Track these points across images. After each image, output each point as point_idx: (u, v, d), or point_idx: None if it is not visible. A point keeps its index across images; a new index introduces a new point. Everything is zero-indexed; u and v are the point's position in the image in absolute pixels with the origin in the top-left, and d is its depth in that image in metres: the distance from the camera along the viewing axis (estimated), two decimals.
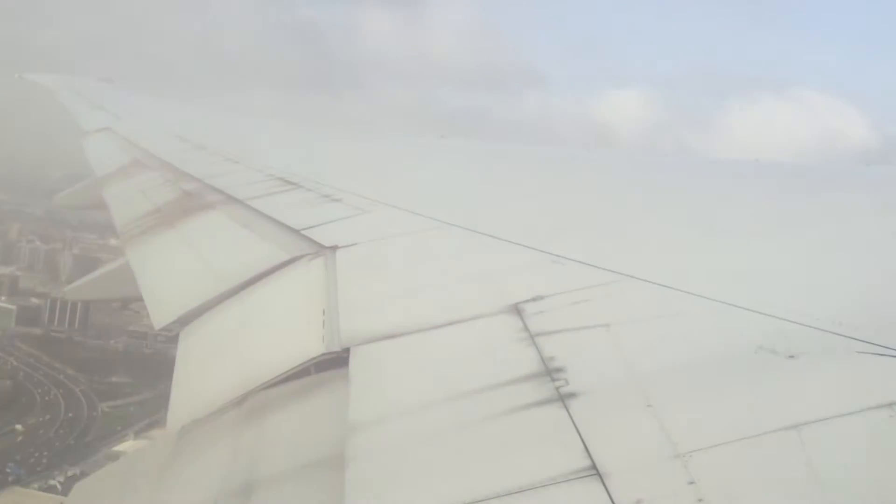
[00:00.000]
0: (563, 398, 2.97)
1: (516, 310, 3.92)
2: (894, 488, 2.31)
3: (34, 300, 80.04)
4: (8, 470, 54.57)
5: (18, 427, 59.93)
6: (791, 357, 2.96)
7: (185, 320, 5.55)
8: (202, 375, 5.00)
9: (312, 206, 7.34)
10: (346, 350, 3.95)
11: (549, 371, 3.21)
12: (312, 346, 4.20)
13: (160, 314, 5.85)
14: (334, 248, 5.68)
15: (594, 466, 2.53)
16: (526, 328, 3.69)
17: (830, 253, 4.38)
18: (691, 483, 2.37)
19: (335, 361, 3.99)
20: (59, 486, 49.69)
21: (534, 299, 4.00)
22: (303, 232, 6.30)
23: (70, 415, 60.36)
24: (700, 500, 2.30)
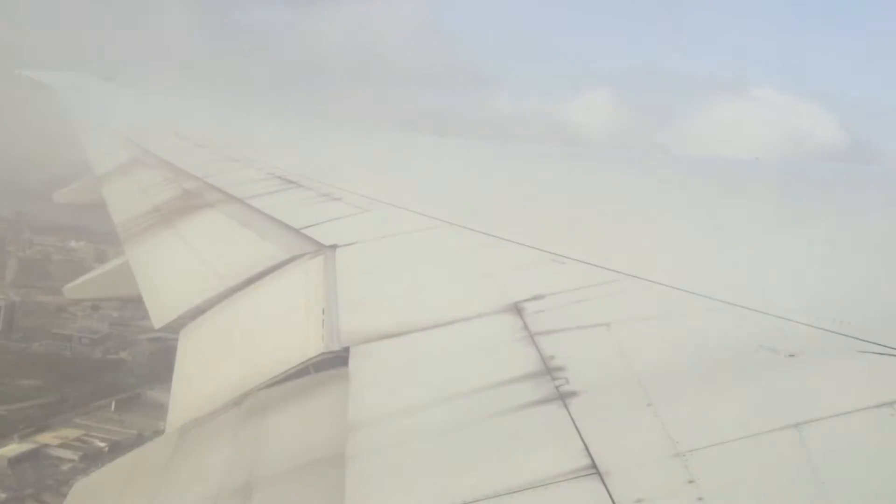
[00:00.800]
0: (563, 397, 2.97)
1: (516, 309, 3.92)
2: (894, 486, 2.31)
3: None
4: None
5: None
6: (791, 356, 2.96)
7: (185, 319, 5.55)
8: (202, 374, 5.00)
9: (312, 204, 7.34)
10: (346, 349, 3.95)
11: (550, 370, 3.21)
12: (312, 346, 4.20)
13: (160, 313, 5.85)
14: (334, 247, 5.67)
15: (594, 465, 2.53)
16: (526, 327, 3.69)
17: (831, 252, 4.38)
18: (691, 482, 2.37)
19: (335, 360, 3.98)
20: None
21: (534, 298, 4.00)
22: (302, 231, 6.30)
23: None
24: (700, 499, 2.30)
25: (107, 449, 44.69)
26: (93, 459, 42.11)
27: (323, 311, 4.58)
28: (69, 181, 15.71)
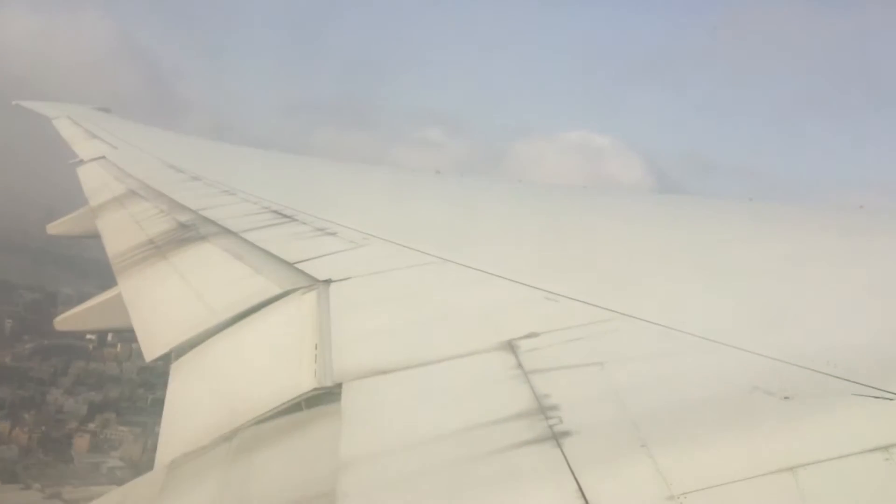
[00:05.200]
0: (556, 436, 2.95)
1: (510, 346, 3.90)
2: None
3: None
4: None
5: None
6: (786, 398, 2.95)
7: (177, 353, 5.51)
8: (192, 409, 4.95)
9: (306, 239, 7.34)
10: (339, 385, 3.92)
11: (543, 409, 3.19)
12: (304, 381, 4.17)
13: (151, 347, 5.81)
14: (328, 282, 5.66)
15: None
16: (520, 365, 3.67)
17: (826, 294, 4.39)
18: None
19: (327, 396, 3.96)
20: None
21: (528, 336, 3.99)
22: (296, 265, 6.29)
23: None
24: None
25: None
26: None
27: (316, 346, 4.56)
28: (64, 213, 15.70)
